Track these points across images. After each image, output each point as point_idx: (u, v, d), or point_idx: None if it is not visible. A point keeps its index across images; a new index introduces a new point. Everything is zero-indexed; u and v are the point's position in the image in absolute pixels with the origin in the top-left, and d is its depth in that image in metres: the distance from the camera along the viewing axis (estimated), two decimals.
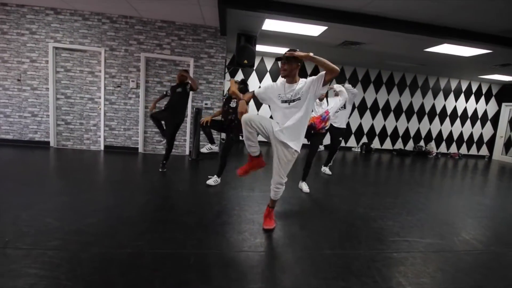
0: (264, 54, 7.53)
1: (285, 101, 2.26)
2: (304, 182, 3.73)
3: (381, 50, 5.96)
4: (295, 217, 2.86)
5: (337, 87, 4.13)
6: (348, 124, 8.08)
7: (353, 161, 6.80)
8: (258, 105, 7.76)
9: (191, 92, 4.63)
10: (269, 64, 7.65)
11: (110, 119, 5.26)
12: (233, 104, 3.59)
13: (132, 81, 5.17)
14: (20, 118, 5.09)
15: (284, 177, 2.34)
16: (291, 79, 2.27)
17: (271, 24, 4.76)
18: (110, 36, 5.04)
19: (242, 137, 2.34)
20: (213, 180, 3.63)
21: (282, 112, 2.27)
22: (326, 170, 4.87)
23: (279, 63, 2.26)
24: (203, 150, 4.01)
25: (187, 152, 5.53)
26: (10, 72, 4.95)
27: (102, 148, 5.31)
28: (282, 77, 2.29)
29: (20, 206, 2.51)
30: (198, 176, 4.17)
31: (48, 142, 5.18)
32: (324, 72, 2.14)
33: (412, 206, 3.47)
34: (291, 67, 2.22)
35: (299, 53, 2.10)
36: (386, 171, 6.01)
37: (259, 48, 6.71)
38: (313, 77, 2.21)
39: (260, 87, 2.56)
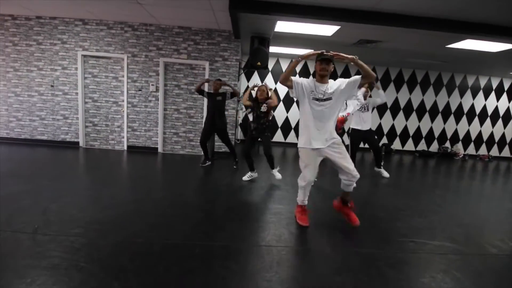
0: (279, 56, 7.59)
1: (317, 99, 2.33)
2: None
3: (399, 47, 5.79)
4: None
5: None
6: None
7: (372, 162, 6.64)
8: (288, 106, 7.81)
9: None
10: (284, 65, 7.70)
11: (132, 121, 5.60)
12: (263, 108, 3.76)
13: (152, 85, 5.47)
14: (54, 121, 5.57)
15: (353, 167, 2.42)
16: (324, 79, 2.36)
17: (283, 26, 4.82)
18: (131, 43, 5.38)
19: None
20: (247, 176, 3.94)
21: (313, 111, 2.36)
22: (382, 172, 4.85)
23: (319, 62, 2.31)
24: (245, 178, 3.97)
25: None
26: (45, 78, 5.45)
27: (125, 148, 5.66)
28: (321, 76, 2.34)
29: (50, 199, 2.79)
30: (213, 174, 4.33)
31: (78, 143, 5.63)
32: (360, 76, 2.25)
33: (426, 208, 3.36)
34: (330, 67, 2.32)
35: (345, 55, 2.16)
36: (405, 173, 5.82)
37: (274, 49, 6.79)
38: (348, 80, 2.31)
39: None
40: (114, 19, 5.29)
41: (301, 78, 2.44)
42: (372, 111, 4.72)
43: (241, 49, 6.27)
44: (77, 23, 5.33)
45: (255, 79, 7.71)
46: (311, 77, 2.46)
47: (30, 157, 4.60)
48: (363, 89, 4.40)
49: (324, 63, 2.29)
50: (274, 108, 4.04)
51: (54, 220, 2.35)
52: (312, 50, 2.36)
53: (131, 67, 5.44)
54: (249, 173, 3.97)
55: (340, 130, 3.78)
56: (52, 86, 5.47)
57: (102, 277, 1.67)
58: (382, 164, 4.93)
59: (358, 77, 2.27)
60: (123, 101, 5.55)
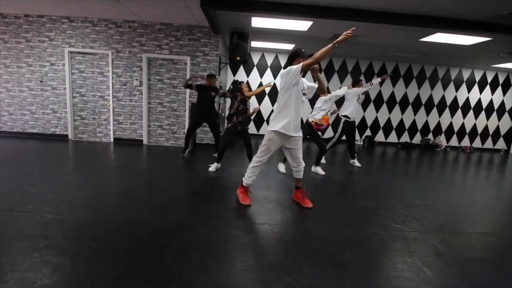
0: (264, 50, 7.78)
1: (304, 94, 2.67)
2: (318, 167, 4.39)
3: (376, 42, 5.98)
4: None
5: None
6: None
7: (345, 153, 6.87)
8: (274, 101, 8.04)
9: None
10: (269, 59, 7.89)
11: (118, 114, 5.86)
12: (249, 105, 4.05)
13: (136, 79, 5.72)
14: (43, 114, 5.85)
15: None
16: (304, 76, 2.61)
17: (259, 22, 5.03)
18: (116, 39, 5.60)
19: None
20: (214, 167, 4.12)
21: (298, 104, 2.62)
22: (355, 162, 5.13)
23: (298, 59, 2.59)
24: (211, 169, 4.12)
25: None
26: (34, 74, 5.71)
27: (112, 140, 5.94)
28: (305, 72, 2.51)
29: (30, 183, 3.07)
30: (190, 163, 4.59)
31: (67, 135, 5.90)
32: (317, 87, 2.70)
33: (383, 192, 3.61)
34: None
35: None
36: (381, 163, 6.05)
37: (259, 44, 6.99)
38: (308, 85, 2.72)
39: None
40: (98, 17, 5.51)
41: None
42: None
43: (224, 44, 6.47)
44: (64, 20, 5.56)
45: (241, 73, 7.93)
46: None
47: (20, 149, 4.89)
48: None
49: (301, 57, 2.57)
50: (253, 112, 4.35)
51: (31, 200, 2.63)
52: (344, 35, 2.26)
53: (115, 63, 5.68)
54: (216, 164, 4.15)
55: (322, 128, 4.20)
56: (41, 81, 5.73)
57: (64, 245, 1.94)
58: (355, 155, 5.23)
59: (315, 86, 2.71)
60: (109, 95, 5.80)
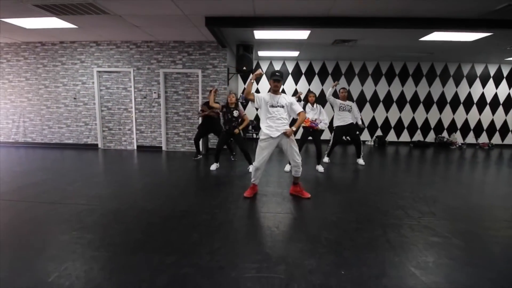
0: (272, 58, 8.22)
1: (272, 106, 3.18)
2: (319, 165, 4.81)
3: (378, 44, 6.18)
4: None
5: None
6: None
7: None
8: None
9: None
10: (277, 66, 8.30)
11: (140, 124, 6.54)
12: (235, 113, 4.60)
13: (154, 92, 6.37)
14: (77, 127, 6.67)
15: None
16: (277, 93, 3.23)
17: (261, 34, 5.47)
18: (136, 58, 6.32)
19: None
20: (214, 166, 4.72)
21: (269, 113, 3.17)
22: (360, 161, 5.42)
23: (272, 81, 3.18)
24: (212, 168, 4.72)
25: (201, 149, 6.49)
26: (69, 92, 6.56)
27: (135, 147, 6.62)
28: (273, 91, 3.21)
29: (67, 183, 3.69)
30: (206, 166, 5.08)
31: (97, 144, 6.67)
32: (297, 114, 3.24)
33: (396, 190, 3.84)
34: (280, 84, 3.24)
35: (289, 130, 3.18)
36: (390, 162, 6.18)
37: (267, 53, 7.45)
38: (292, 107, 3.23)
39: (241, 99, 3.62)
40: (121, 39, 6.26)
41: (259, 95, 3.23)
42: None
43: (232, 55, 6.99)
44: (92, 44, 6.37)
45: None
46: (266, 92, 3.38)
47: (59, 157, 5.66)
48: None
49: (276, 82, 3.16)
50: (249, 123, 4.87)
51: (68, 196, 3.22)
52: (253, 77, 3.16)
53: (136, 79, 6.39)
54: (215, 164, 4.75)
55: (319, 129, 4.69)
56: (74, 98, 6.57)
57: (94, 226, 2.45)
58: (362, 155, 5.49)
59: (297, 111, 3.22)
60: (131, 107, 6.51)
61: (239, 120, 4.73)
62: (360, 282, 1.75)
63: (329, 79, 8.31)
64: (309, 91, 5.77)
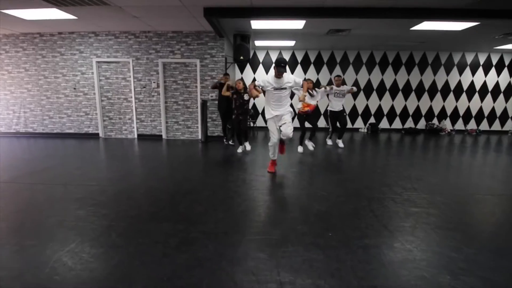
0: (268, 48, 8.36)
1: (276, 89, 3.61)
2: (310, 142, 5.40)
3: (371, 33, 6.36)
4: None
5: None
6: (354, 106, 8.59)
7: (353, 141, 7.33)
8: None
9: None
10: (274, 56, 8.45)
11: (140, 113, 6.72)
12: (246, 97, 5.10)
13: (154, 82, 6.53)
14: (78, 117, 6.83)
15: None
16: (280, 76, 3.59)
17: (257, 24, 5.63)
18: (135, 48, 6.44)
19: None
20: (241, 148, 5.25)
21: (274, 96, 3.64)
22: (340, 143, 5.93)
23: (276, 68, 3.49)
24: (239, 150, 5.25)
25: (200, 137, 6.72)
26: (69, 83, 6.69)
27: (136, 136, 6.82)
28: (277, 76, 3.57)
29: (75, 168, 3.92)
30: (207, 151, 5.32)
31: (98, 134, 6.85)
32: (299, 90, 4.07)
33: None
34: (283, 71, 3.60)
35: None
36: (381, 148, 6.47)
37: (263, 43, 7.59)
38: (297, 84, 3.74)
39: (257, 80, 3.91)
40: (119, 30, 6.36)
41: (264, 78, 3.68)
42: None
43: (230, 45, 7.13)
44: (91, 35, 6.47)
45: (248, 71, 8.56)
46: (271, 74, 3.69)
47: (61, 146, 5.85)
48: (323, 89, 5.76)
49: (280, 68, 3.48)
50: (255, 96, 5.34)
51: (78, 179, 3.45)
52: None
53: (136, 69, 6.53)
54: (240, 147, 5.27)
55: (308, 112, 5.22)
56: (74, 88, 6.70)
57: (107, 203, 2.70)
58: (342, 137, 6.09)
59: (298, 86, 3.86)
60: (131, 97, 6.67)
61: (248, 102, 5.22)
62: (345, 241, 2.03)
63: (325, 68, 8.50)
64: (305, 79, 6.01)
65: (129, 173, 3.75)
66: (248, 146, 5.33)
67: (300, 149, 5.30)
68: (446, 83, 8.65)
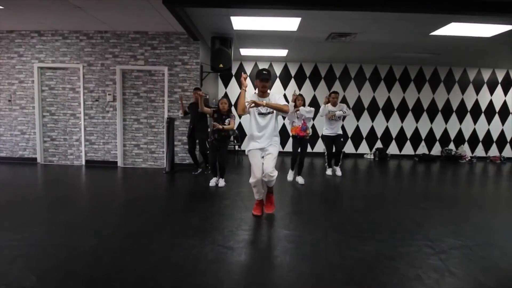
0: (257, 59, 7.20)
1: (260, 113, 2.83)
2: (299, 176, 4.50)
3: (379, 39, 5.20)
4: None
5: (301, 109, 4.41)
6: (357, 128, 7.35)
7: (356, 169, 5.94)
8: None
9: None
10: (262, 66, 7.23)
11: (90, 134, 5.27)
12: (226, 122, 3.99)
13: (109, 94, 5.15)
14: (12, 136, 5.33)
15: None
16: (265, 94, 2.84)
17: (240, 22, 4.41)
18: (87, 52, 5.13)
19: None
20: (214, 181, 4.10)
21: (257, 123, 2.84)
22: (337, 170, 5.12)
23: (259, 81, 2.78)
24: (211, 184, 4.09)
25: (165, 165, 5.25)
26: (2, 93, 5.26)
27: (83, 163, 5.31)
28: (261, 92, 2.82)
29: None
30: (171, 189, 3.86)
31: (36, 159, 5.33)
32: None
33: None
34: (268, 85, 2.83)
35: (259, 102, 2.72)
36: (390, 179, 5.09)
37: (251, 52, 6.41)
38: (279, 101, 2.81)
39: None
40: (68, 29, 5.08)
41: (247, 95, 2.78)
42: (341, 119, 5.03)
43: (207, 51, 5.89)
44: (33, 35, 5.16)
45: (233, 84, 7.31)
46: (252, 91, 2.98)
47: None
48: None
49: (264, 81, 2.76)
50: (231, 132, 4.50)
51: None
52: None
53: (87, 77, 5.17)
54: (214, 179, 4.13)
55: (307, 136, 4.39)
56: (9, 100, 5.27)
57: None
58: (340, 164, 5.23)
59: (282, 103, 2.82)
60: (80, 113, 5.24)
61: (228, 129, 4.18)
62: None
63: (322, 83, 7.30)
64: (300, 94, 4.76)
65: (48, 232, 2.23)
66: (222, 182, 4.06)
67: (300, 179, 4.46)
68: (462, 103, 7.51)
